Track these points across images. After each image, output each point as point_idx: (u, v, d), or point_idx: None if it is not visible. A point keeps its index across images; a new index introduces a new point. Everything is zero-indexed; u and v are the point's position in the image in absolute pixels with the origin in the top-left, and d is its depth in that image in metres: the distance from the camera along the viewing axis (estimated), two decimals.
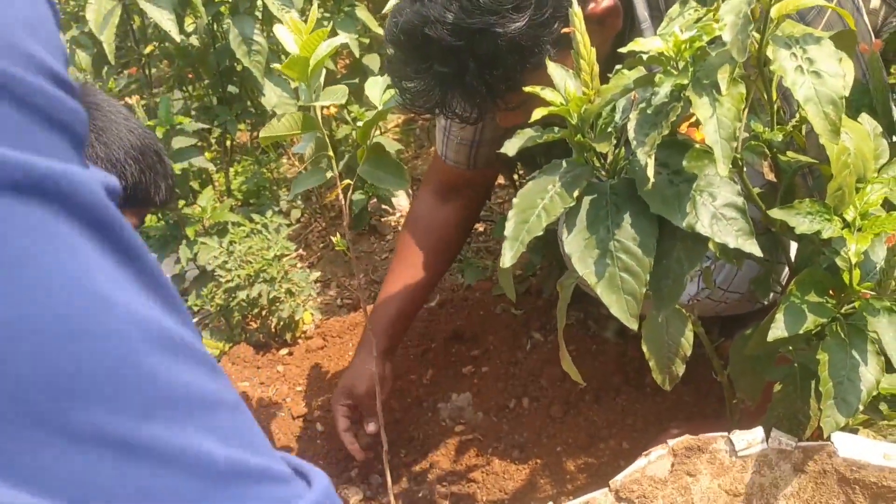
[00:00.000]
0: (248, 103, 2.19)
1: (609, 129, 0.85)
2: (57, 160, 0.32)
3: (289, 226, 2.01)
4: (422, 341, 1.87)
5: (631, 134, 0.77)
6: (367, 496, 1.56)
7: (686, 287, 0.85)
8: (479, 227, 2.28)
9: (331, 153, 1.16)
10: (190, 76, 2.26)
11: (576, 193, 0.82)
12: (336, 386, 1.78)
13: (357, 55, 2.25)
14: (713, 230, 0.77)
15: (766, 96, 0.85)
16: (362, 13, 2.21)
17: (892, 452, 0.81)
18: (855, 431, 0.94)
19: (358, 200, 2.18)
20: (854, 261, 0.81)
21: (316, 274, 2.05)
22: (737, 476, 0.87)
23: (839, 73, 0.72)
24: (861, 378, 0.82)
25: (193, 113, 2.15)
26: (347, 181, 1.20)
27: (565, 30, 0.85)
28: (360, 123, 1.20)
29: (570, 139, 0.86)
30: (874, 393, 0.82)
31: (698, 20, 0.80)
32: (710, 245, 0.85)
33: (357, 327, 1.91)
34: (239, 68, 2.08)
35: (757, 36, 0.78)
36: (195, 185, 2.21)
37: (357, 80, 2.20)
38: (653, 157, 0.75)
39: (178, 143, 1.88)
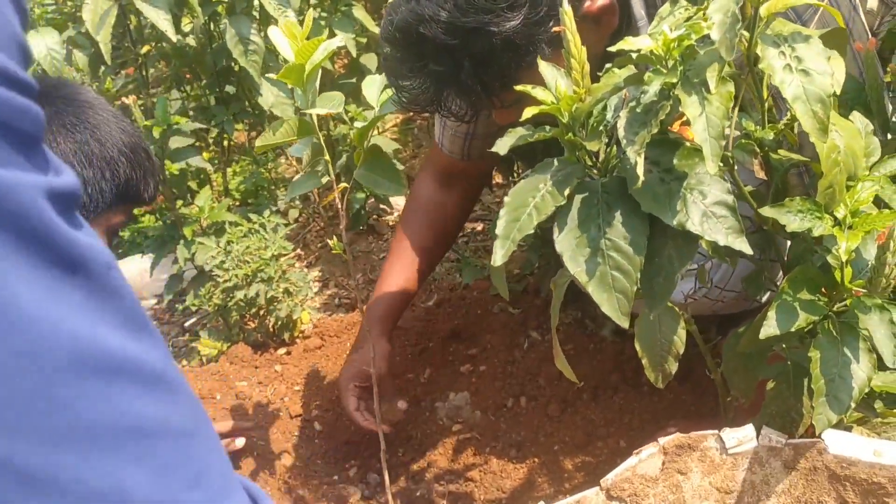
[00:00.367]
0: (246, 103, 2.20)
1: (600, 128, 0.85)
2: None
3: (286, 226, 2.01)
4: (419, 340, 1.87)
5: (621, 132, 0.77)
6: (365, 496, 1.57)
7: (679, 285, 0.85)
8: (478, 226, 2.28)
9: (327, 157, 1.16)
10: (187, 76, 2.27)
11: (567, 192, 0.82)
12: (333, 386, 1.79)
13: (354, 55, 2.25)
14: (704, 228, 0.78)
15: (756, 95, 0.85)
16: (359, 13, 2.22)
17: (883, 449, 0.82)
18: (849, 429, 0.94)
19: (356, 200, 2.18)
20: (845, 258, 0.81)
21: (314, 274, 2.06)
22: (728, 474, 0.87)
23: (827, 72, 0.72)
24: (853, 375, 0.82)
25: (191, 113, 2.16)
26: (344, 184, 1.20)
27: (556, 29, 0.85)
28: (357, 123, 1.20)
29: (561, 138, 0.86)
30: (866, 390, 0.83)
31: (688, 19, 0.80)
32: (703, 243, 0.85)
33: (355, 327, 1.91)
34: (236, 68, 2.08)
35: (746, 34, 0.78)
36: (193, 185, 2.21)
37: (355, 80, 2.21)
38: (642, 155, 0.75)
39: (176, 143, 1.88)
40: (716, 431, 0.87)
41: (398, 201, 2.37)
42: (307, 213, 2.35)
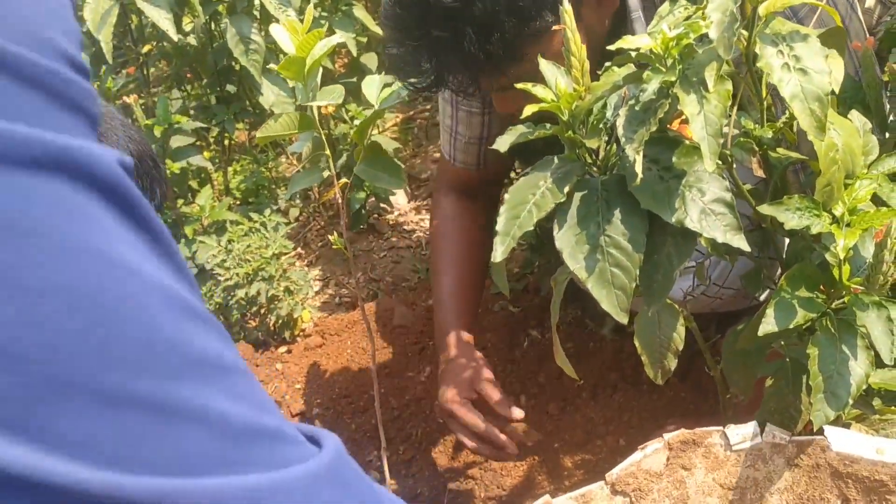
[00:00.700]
0: (246, 102, 2.20)
1: (600, 126, 0.86)
2: (74, 137, 0.33)
3: (287, 224, 2.02)
4: (420, 339, 1.88)
5: (620, 130, 0.78)
6: None
7: (677, 282, 0.85)
8: None
9: (328, 152, 1.17)
10: (188, 75, 2.27)
11: (567, 189, 0.83)
12: (334, 384, 1.80)
13: (355, 54, 2.26)
14: (702, 225, 0.78)
15: (755, 93, 0.85)
16: (360, 12, 2.22)
17: (885, 447, 0.82)
18: (847, 426, 0.95)
19: (356, 199, 2.18)
20: (843, 256, 0.82)
21: (314, 272, 2.06)
22: (731, 470, 0.87)
23: (825, 70, 0.73)
24: (851, 372, 0.83)
25: (191, 112, 2.16)
26: (345, 180, 1.21)
27: (556, 27, 0.85)
28: (357, 122, 1.20)
29: (561, 135, 0.86)
30: (864, 387, 0.83)
31: (687, 18, 0.80)
32: (701, 240, 0.85)
33: (356, 325, 1.92)
34: (237, 67, 2.09)
35: (745, 33, 0.78)
36: (194, 183, 2.21)
37: (355, 79, 2.21)
38: (641, 153, 0.76)
39: (177, 142, 1.89)
40: (720, 428, 0.88)
41: (398, 201, 2.38)
42: (307, 211, 2.35)
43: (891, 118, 1.05)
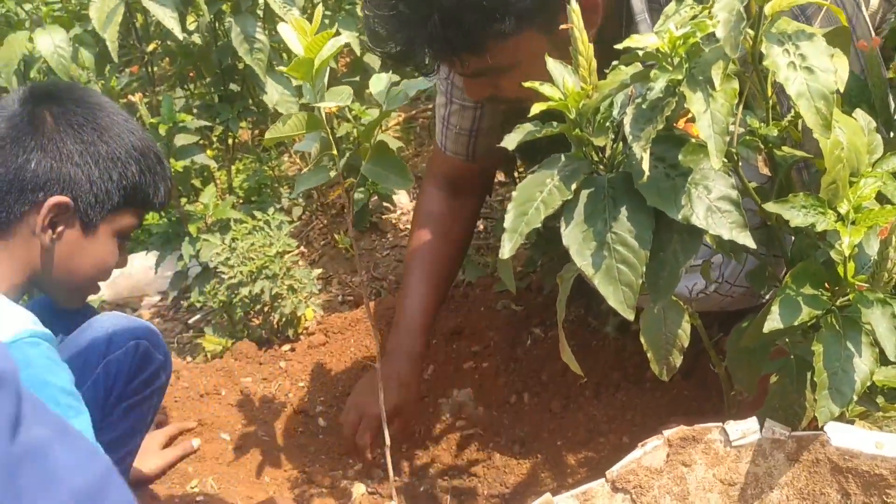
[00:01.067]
0: (250, 101, 2.20)
1: (607, 124, 0.86)
2: None
3: (290, 223, 2.02)
4: None
5: (627, 128, 0.78)
6: (369, 490, 1.58)
7: (683, 280, 0.86)
8: (480, 224, 2.29)
9: (335, 152, 1.17)
10: (191, 74, 2.28)
11: (574, 187, 0.83)
12: (337, 382, 1.80)
13: (358, 53, 2.26)
14: (708, 222, 0.79)
15: (761, 92, 0.86)
16: None
17: (885, 441, 0.83)
18: (851, 423, 0.95)
19: (359, 199, 2.19)
20: (848, 253, 0.82)
21: (318, 271, 2.06)
22: (731, 466, 0.88)
23: (831, 69, 0.74)
24: (855, 369, 0.84)
25: (195, 111, 2.16)
26: (350, 179, 1.21)
27: (563, 26, 0.86)
28: (362, 121, 1.21)
29: (568, 133, 0.87)
30: (868, 383, 0.84)
31: (693, 17, 0.81)
32: (707, 238, 0.86)
33: (359, 323, 1.92)
34: (241, 66, 2.09)
35: (751, 32, 0.79)
36: (197, 182, 2.22)
37: (358, 78, 2.22)
38: (648, 151, 0.76)
39: (181, 140, 1.89)
40: (720, 424, 0.88)
41: (401, 200, 2.38)
42: (310, 210, 2.36)
43: None
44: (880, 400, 0.98)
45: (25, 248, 1.15)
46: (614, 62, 0.86)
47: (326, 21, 2.17)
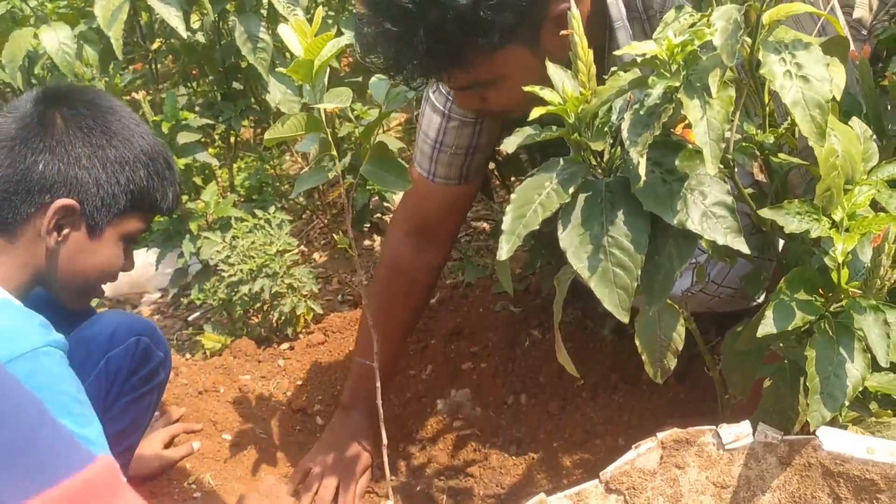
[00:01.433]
0: (252, 100, 2.21)
1: (605, 129, 0.87)
2: None
3: (291, 222, 2.03)
4: (421, 337, 1.89)
5: (624, 134, 0.79)
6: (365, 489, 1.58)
7: (677, 281, 0.87)
8: (482, 225, 2.30)
9: (334, 153, 1.18)
10: (195, 72, 2.29)
11: (572, 190, 0.84)
12: (336, 381, 1.81)
13: None
14: (703, 227, 0.80)
15: (757, 99, 0.87)
16: None
17: (876, 446, 0.84)
18: (844, 428, 0.96)
19: (359, 199, 2.20)
20: (841, 260, 0.83)
21: (317, 270, 2.07)
22: (724, 469, 0.89)
23: (826, 78, 0.75)
24: (847, 374, 0.84)
25: (198, 109, 2.17)
26: (350, 180, 1.22)
27: (563, 32, 0.87)
28: (363, 122, 1.22)
29: (567, 138, 0.88)
30: (860, 388, 0.85)
31: (692, 25, 0.82)
32: (702, 242, 0.87)
33: (357, 323, 1.93)
34: (244, 65, 2.10)
35: (748, 41, 0.80)
36: (198, 180, 2.23)
37: (360, 79, 2.22)
38: (645, 156, 0.77)
39: (183, 138, 1.90)
40: (713, 427, 0.89)
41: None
42: (311, 209, 2.37)
43: (889, 126, 1.06)
44: (873, 406, 0.99)
45: (31, 249, 1.15)
46: (613, 68, 0.87)
47: (329, 21, 2.18)
